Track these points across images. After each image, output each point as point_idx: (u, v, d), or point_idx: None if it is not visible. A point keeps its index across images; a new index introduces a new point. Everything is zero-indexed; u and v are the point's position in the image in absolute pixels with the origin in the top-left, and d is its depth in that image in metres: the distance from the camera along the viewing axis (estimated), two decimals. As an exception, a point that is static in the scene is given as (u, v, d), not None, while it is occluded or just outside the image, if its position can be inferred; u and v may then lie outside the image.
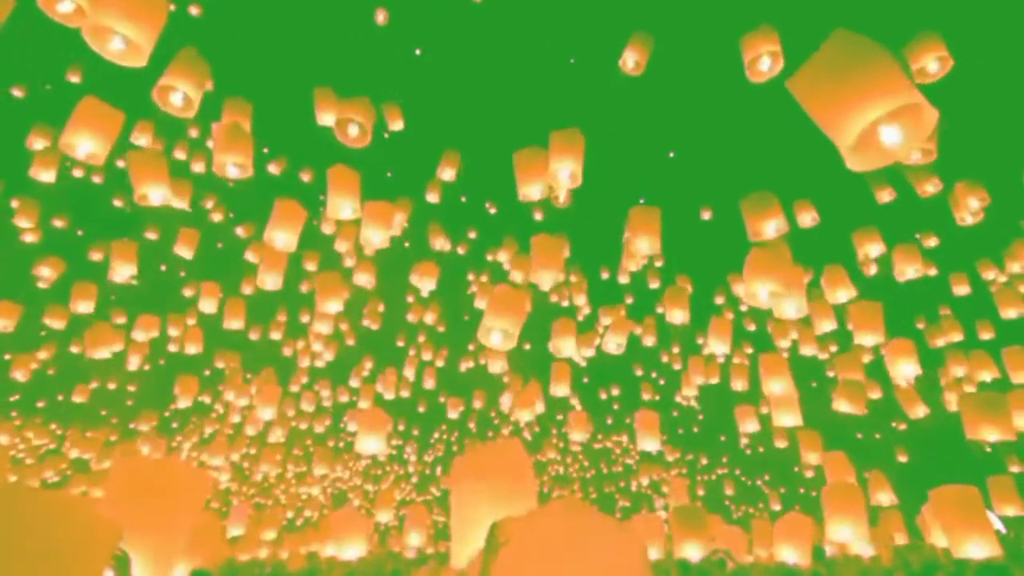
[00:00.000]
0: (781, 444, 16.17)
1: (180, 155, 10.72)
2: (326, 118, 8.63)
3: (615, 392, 21.64)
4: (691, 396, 17.69)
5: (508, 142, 7.47)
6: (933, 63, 7.17)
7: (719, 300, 15.05)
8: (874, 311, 9.49)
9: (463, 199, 16.03)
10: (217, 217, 12.99)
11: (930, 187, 9.25)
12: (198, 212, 12.16)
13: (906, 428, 18.16)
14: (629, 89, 13.41)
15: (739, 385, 13.71)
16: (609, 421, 24.51)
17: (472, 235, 15.25)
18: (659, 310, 14.56)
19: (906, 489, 12.16)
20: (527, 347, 15.40)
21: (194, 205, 10.77)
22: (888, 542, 10.63)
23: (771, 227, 7.15)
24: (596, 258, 14.83)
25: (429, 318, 15.49)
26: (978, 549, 6.16)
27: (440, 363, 17.33)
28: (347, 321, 15.91)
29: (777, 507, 20.59)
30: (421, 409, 20.39)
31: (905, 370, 10.25)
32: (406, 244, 13.68)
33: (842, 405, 10.88)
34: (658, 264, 13.87)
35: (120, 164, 10.03)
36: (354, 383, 17.00)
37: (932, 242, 11.96)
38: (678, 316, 11.14)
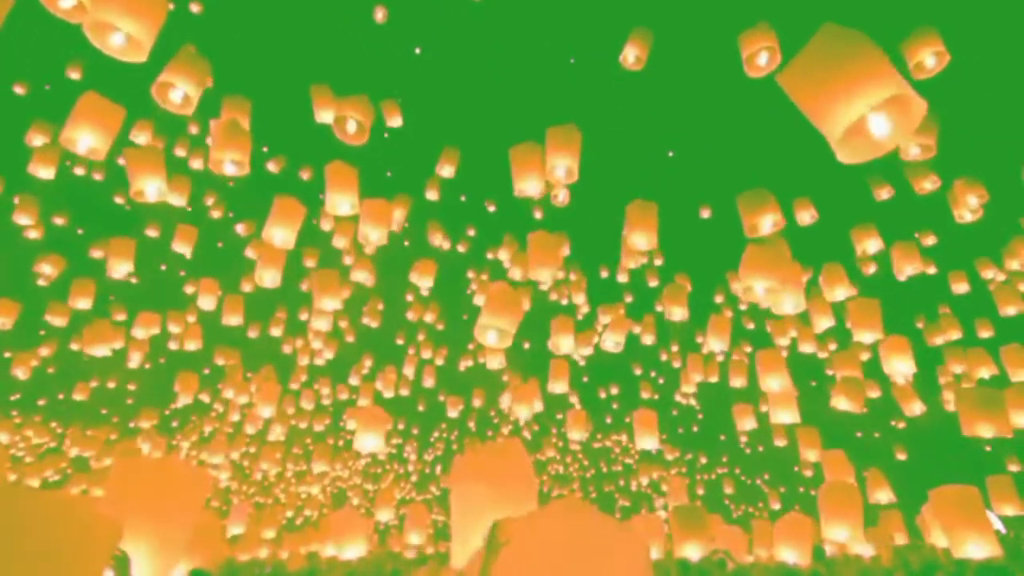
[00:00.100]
0: (780, 443, 16.18)
1: (180, 152, 10.73)
2: (324, 115, 8.64)
3: (614, 391, 21.65)
4: (690, 394, 17.72)
5: (508, 141, 7.47)
6: (930, 58, 7.16)
7: (718, 298, 15.07)
8: (872, 308, 9.49)
9: (463, 198, 16.05)
10: (217, 214, 12.99)
11: (928, 184, 9.23)
12: (198, 210, 12.16)
13: (905, 427, 18.21)
14: (628, 88, 13.45)
15: (738, 383, 13.72)
16: (608, 420, 24.51)
17: (471, 233, 15.26)
18: (658, 308, 14.57)
19: (905, 488, 12.17)
20: (526, 346, 15.43)
21: (194, 203, 10.77)
22: (888, 542, 10.62)
23: (767, 223, 7.15)
24: (595, 256, 14.85)
25: (429, 317, 15.50)
26: (978, 549, 6.15)
27: (440, 361, 17.34)
28: (347, 319, 15.93)
29: (777, 506, 20.61)
30: (421, 408, 20.41)
31: (900, 367, 10.26)
32: (406, 243, 13.70)
33: (841, 403, 10.88)
34: (658, 263, 13.88)
35: (121, 162, 10.03)
36: (354, 381, 17.00)
37: (931, 240, 11.95)
38: (677, 314, 11.14)
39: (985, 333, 12.94)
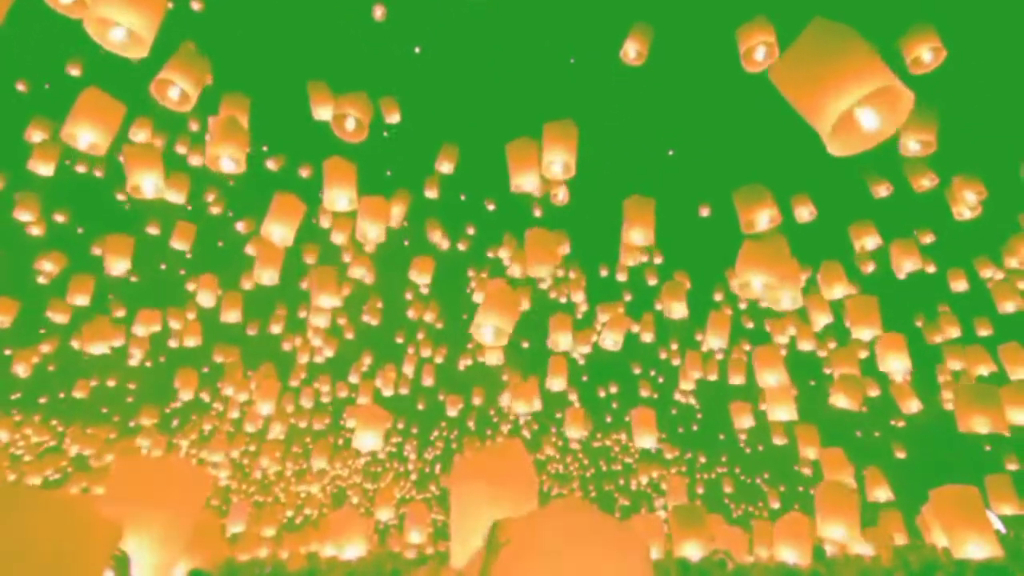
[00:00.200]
0: (779, 441, 16.18)
1: (180, 150, 10.72)
2: (322, 112, 8.62)
3: (613, 390, 21.66)
4: (689, 392, 17.71)
5: (507, 139, 7.45)
6: (927, 53, 7.15)
7: (718, 296, 15.06)
8: (871, 306, 9.48)
9: (462, 197, 16.03)
10: (216, 212, 12.97)
11: (927, 181, 9.22)
12: (198, 207, 12.16)
13: (904, 425, 18.21)
14: (628, 86, 13.44)
15: (737, 381, 13.71)
16: (608, 419, 24.53)
17: (471, 231, 15.25)
18: (658, 307, 14.56)
19: (904, 487, 12.17)
20: (525, 344, 15.42)
21: (194, 200, 10.75)
22: (888, 542, 10.61)
23: (763, 218, 7.14)
24: (595, 255, 14.84)
25: (428, 315, 15.49)
26: (978, 549, 6.14)
27: (439, 360, 17.34)
28: (346, 317, 15.92)
29: (776, 505, 20.62)
30: (420, 406, 20.40)
31: (895, 365, 10.25)
32: (406, 241, 13.69)
33: (840, 401, 10.88)
34: (657, 261, 13.87)
35: (121, 159, 10.03)
36: (353, 379, 17.00)
37: (929, 238, 11.94)
38: (676, 311, 11.13)
39: (984, 331, 12.94)
